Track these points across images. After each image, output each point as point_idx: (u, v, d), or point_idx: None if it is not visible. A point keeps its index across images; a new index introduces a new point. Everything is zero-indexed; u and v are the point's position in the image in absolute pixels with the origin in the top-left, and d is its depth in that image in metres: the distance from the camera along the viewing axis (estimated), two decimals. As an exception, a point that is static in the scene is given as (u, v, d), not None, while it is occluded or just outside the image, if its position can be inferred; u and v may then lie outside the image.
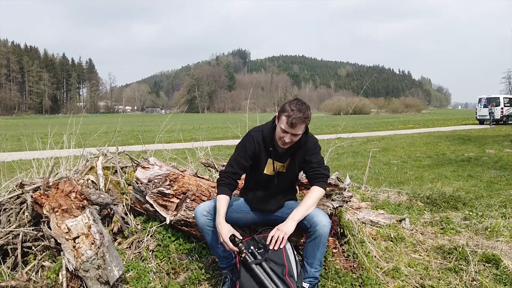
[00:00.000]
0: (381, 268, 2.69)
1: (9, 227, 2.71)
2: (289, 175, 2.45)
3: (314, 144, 2.39)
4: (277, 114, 2.29)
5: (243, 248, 2.16)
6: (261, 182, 2.44)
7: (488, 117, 24.96)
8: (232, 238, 2.18)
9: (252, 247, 2.20)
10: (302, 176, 2.94)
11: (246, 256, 2.13)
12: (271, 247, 2.16)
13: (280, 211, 2.49)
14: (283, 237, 2.17)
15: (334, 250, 2.75)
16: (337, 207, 2.72)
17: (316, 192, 2.31)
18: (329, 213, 2.61)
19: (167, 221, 2.74)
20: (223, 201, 2.29)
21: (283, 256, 2.17)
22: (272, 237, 2.19)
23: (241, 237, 2.22)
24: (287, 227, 2.20)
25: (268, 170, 2.40)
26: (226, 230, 2.20)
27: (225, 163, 3.94)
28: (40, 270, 2.47)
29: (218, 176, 2.42)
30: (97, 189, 3.00)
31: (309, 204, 2.26)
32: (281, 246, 2.18)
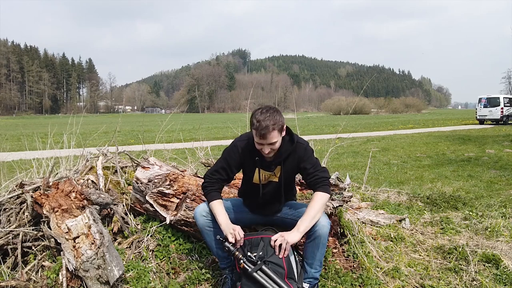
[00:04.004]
0: (381, 268, 2.69)
1: (9, 227, 2.71)
2: (282, 184, 2.37)
3: (304, 149, 2.30)
4: None
5: (240, 256, 2.10)
6: (254, 190, 2.40)
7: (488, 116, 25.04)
8: (227, 249, 2.12)
9: (248, 253, 2.13)
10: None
11: (245, 266, 2.08)
12: (276, 253, 2.12)
13: (279, 212, 2.49)
14: (285, 245, 2.11)
15: (334, 250, 2.75)
16: (337, 206, 2.72)
17: (319, 198, 2.22)
18: (329, 212, 2.61)
19: (167, 221, 2.74)
20: (219, 205, 2.26)
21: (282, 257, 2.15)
22: (275, 241, 2.13)
23: (240, 236, 2.16)
24: (292, 237, 2.14)
25: (256, 179, 2.36)
26: (234, 226, 2.18)
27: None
28: (40, 270, 2.47)
29: (205, 180, 2.35)
30: (97, 189, 3.00)
31: (313, 213, 2.18)
32: (284, 255, 2.12)
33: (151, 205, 2.80)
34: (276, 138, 2.13)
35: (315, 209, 2.19)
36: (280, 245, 2.12)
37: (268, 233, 2.27)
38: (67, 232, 2.33)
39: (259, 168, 2.32)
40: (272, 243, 2.14)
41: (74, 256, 2.22)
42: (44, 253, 2.56)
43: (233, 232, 2.15)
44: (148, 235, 2.75)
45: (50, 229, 2.45)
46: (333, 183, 3.00)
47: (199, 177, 3.18)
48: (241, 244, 2.16)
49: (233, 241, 2.13)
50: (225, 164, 2.33)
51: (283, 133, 2.21)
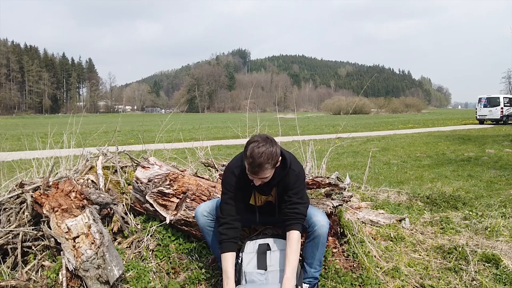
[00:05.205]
0: (381, 268, 2.69)
1: (9, 226, 2.71)
2: (277, 205, 2.32)
3: (296, 176, 2.21)
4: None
5: None
6: (251, 209, 2.39)
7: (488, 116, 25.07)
8: None
9: None
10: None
11: None
12: None
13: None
14: None
15: (334, 250, 2.75)
16: (336, 206, 2.72)
17: (297, 240, 2.15)
18: (329, 212, 2.61)
19: (167, 221, 2.74)
20: (229, 260, 2.16)
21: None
22: None
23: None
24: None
25: (253, 201, 2.34)
26: None
27: (225, 163, 3.95)
28: (40, 269, 2.47)
29: (219, 226, 2.27)
30: (97, 189, 3.00)
31: (296, 258, 2.12)
32: None
33: (151, 205, 2.80)
34: (269, 173, 2.08)
35: (295, 254, 2.13)
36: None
37: None
38: (67, 232, 2.33)
39: (255, 191, 2.29)
40: None
41: (74, 256, 2.22)
42: (44, 253, 2.56)
43: None
44: (148, 235, 2.75)
45: (50, 228, 2.45)
46: (333, 183, 3.00)
47: (199, 177, 3.18)
48: None
49: None
50: (230, 191, 2.25)
51: (277, 165, 2.13)
